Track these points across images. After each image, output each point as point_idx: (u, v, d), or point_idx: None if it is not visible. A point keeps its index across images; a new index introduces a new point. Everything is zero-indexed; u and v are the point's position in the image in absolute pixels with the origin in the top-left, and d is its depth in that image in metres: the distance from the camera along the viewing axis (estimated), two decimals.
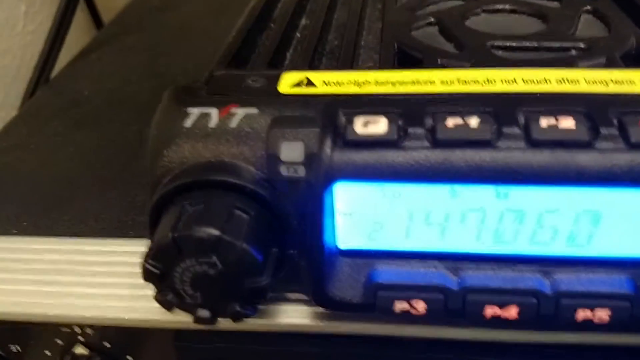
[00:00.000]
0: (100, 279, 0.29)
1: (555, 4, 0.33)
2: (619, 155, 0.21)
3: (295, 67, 0.29)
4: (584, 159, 0.21)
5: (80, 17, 0.73)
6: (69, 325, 0.30)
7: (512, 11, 0.33)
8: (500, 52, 0.28)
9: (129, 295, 0.28)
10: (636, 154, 0.21)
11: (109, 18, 0.66)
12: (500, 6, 0.33)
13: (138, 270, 0.23)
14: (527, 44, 0.28)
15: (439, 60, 0.28)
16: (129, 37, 0.58)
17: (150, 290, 0.24)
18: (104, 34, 0.60)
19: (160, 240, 0.22)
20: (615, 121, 0.22)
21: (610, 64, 0.27)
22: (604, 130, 0.21)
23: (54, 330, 0.30)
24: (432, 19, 0.32)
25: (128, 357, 0.31)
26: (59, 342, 0.31)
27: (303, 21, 0.37)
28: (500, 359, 0.26)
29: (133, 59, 0.52)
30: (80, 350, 0.31)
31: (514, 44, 0.28)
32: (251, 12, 0.36)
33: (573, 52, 0.28)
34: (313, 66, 0.30)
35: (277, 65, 0.30)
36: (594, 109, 0.22)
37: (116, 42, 0.57)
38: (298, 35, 0.35)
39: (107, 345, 0.31)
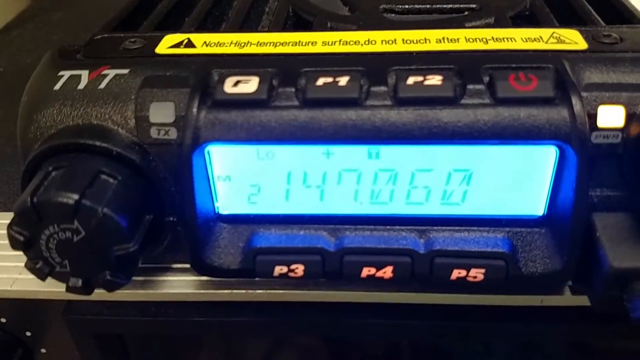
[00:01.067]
0: None
1: None
2: (483, 110, 0.20)
3: (187, 31, 0.28)
4: (448, 115, 0.20)
5: None
6: None
7: None
8: (391, 15, 0.28)
9: (13, 267, 0.27)
10: (501, 108, 0.20)
11: None
12: None
13: None
14: (419, 6, 0.28)
15: (328, 24, 0.27)
16: (56, 13, 0.56)
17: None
18: (29, 10, 0.58)
19: (20, 206, 0.21)
20: (485, 78, 0.21)
21: (498, 23, 0.26)
22: (471, 86, 0.21)
23: None
24: None
25: (27, 332, 0.31)
26: None
27: None
28: (379, 318, 0.26)
29: (55, 35, 0.50)
30: None
31: (406, 7, 0.28)
32: None
33: (465, 13, 0.28)
34: (206, 29, 0.29)
35: (172, 29, 0.30)
36: (466, 66, 0.22)
37: (42, 17, 0.55)
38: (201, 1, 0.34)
39: (4, 320, 0.30)
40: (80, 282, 0.23)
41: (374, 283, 0.23)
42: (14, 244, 0.22)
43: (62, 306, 0.28)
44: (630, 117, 0.21)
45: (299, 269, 0.23)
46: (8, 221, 0.29)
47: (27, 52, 0.48)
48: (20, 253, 0.26)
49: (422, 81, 0.21)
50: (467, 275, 0.23)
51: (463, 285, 0.23)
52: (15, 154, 0.35)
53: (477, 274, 0.22)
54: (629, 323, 0.21)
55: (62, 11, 0.56)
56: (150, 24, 0.29)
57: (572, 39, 0.24)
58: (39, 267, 0.23)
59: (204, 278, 0.25)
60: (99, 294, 0.24)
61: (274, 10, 0.31)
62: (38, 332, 0.30)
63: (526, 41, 0.24)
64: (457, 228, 0.23)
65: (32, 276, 0.26)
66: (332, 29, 0.27)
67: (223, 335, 0.29)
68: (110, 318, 0.28)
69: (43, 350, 0.31)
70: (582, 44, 0.24)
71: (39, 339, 0.31)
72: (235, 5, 0.33)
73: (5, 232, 0.28)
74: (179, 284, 0.26)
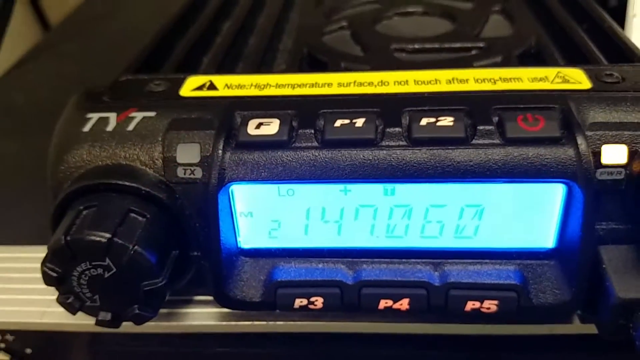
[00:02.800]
0: (17, 285, 0.29)
1: (468, 5, 0.34)
2: (493, 150, 0.22)
3: (207, 71, 0.29)
4: (460, 155, 0.22)
5: (27, 20, 0.72)
6: None
7: (424, 13, 0.34)
8: (402, 55, 0.29)
9: (44, 300, 0.28)
10: (511, 148, 0.22)
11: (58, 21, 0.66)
12: (412, 9, 0.34)
13: None
14: (429, 45, 0.29)
15: (342, 64, 0.28)
16: (67, 45, 0.58)
17: None
18: (43, 42, 0.60)
19: (54, 244, 0.22)
20: (494, 118, 0.22)
21: (505, 62, 0.28)
22: (481, 127, 0.22)
23: None
24: (344, 24, 0.33)
25: None
26: None
27: (227, 24, 0.37)
28: (396, 349, 0.27)
29: (67, 68, 0.52)
30: (1, 356, 0.31)
31: (416, 46, 0.29)
32: (173, 16, 0.36)
33: (473, 52, 0.29)
34: (225, 70, 0.30)
35: (191, 69, 0.31)
36: (476, 107, 0.23)
37: (54, 50, 0.57)
38: (219, 40, 0.35)
39: (29, 351, 0.31)
40: (109, 316, 0.24)
41: (391, 314, 0.24)
42: (48, 280, 0.23)
43: (87, 338, 0.29)
44: (632, 155, 0.22)
45: (319, 302, 0.24)
46: (32, 255, 0.31)
47: (41, 86, 0.50)
48: (51, 287, 0.28)
49: (435, 122, 0.22)
50: (480, 307, 0.23)
51: (477, 316, 0.24)
52: (34, 187, 0.36)
53: (490, 305, 0.23)
54: (636, 351, 0.22)
55: (73, 43, 0.58)
56: (171, 65, 0.30)
57: (577, 79, 0.25)
58: (70, 301, 0.24)
59: (226, 310, 0.26)
60: (125, 327, 0.25)
61: (290, 50, 0.32)
62: None
63: (532, 81, 0.25)
64: (470, 261, 0.24)
65: (60, 308, 0.27)
66: (346, 70, 0.28)
67: None
68: (135, 349, 0.29)
69: None
70: (586, 84, 0.25)
71: None
72: (251, 44, 0.35)
73: (31, 265, 0.30)
74: (202, 316, 0.27)
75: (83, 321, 0.27)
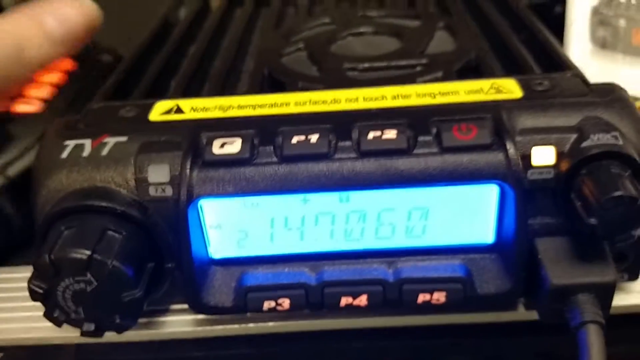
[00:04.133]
0: (1, 304, 0.31)
1: (415, 23, 0.37)
2: (432, 158, 0.24)
3: (174, 95, 0.32)
4: (403, 164, 0.24)
5: None
6: None
7: (375, 33, 0.36)
8: (354, 73, 0.32)
9: (28, 317, 0.30)
10: (447, 156, 0.24)
11: None
12: (364, 29, 0.36)
13: None
14: (378, 64, 0.32)
15: (299, 84, 0.31)
16: None
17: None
18: None
19: (39, 262, 0.24)
20: (433, 129, 0.25)
21: (445, 77, 0.30)
22: (421, 138, 0.25)
23: None
24: (301, 45, 0.35)
25: None
26: None
27: (192, 49, 0.39)
28: (360, 343, 0.29)
29: None
30: None
31: (366, 65, 0.32)
32: (142, 43, 0.39)
33: (417, 68, 0.32)
34: (192, 92, 0.33)
35: (160, 93, 0.33)
36: (417, 120, 0.25)
37: None
38: (185, 63, 0.38)
39: None
40: (93, 327, 0.26)
41: (352, 311, 0.27)
42: (35, 297, 0.25)
43: (72, 350, 0.31)
44: (560, 155, 0.25)
45: (286, 303, 0.26)
46: (14, 276, 0.33)
47: None
48: (35, 303, 0.29)
49: (381, 135, 0.25)
50: (431, 299, 0.26)
51: (428, 307, 0.26)
52: None
53: (439, 296, 0.26)
54: (570, 332, 0.24)
55: None
56: (141, 91, 0.32)
57: (509, 89, 0.28)
58: (56, 315, 0.26)
59: (201, 316, 0.29)
60: (108, 337, 0.27)
61: (251, 72, 0.34)
62: None
63: (468, 93, 0.27)
64: (420, 257, 0.27)
65: (46, 323, 0.29)
66: (303, 89, 0.30)
67: None
68: (118, 358, 0.31)
69: None
70: (517, 93, 0.27)
71: None
72: (215, 66, 0.37)
73: (16, 285, 0.32)
74: (179, 323, 0.29)
75: (68, 334, 0.29)
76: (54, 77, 0.40)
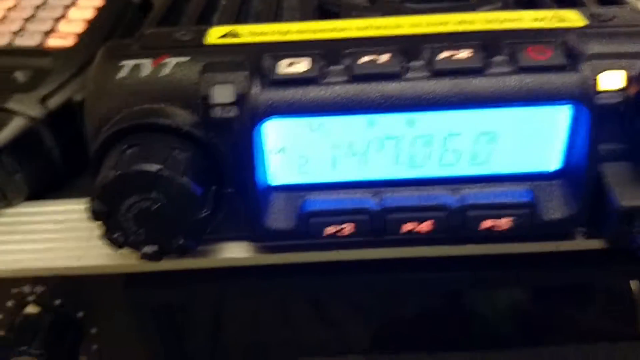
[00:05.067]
0: (49, 235, 0.30)
1: None
2: (509, 77, 0.24)
3: (224, 23, 0.31)
4: (479, 83, 0.24)
5: None
6: (19, 284, 0.31)
7: None
8: (409, 4, 0.31)
9: (76, 247, 0.30)
10: (524, 75, 0.24)
11: None
12: None
13: (82, 224, 0.24)
14: None
15: (353, 13, 0.30)
16: None
17: (95, 240, 0.25)
18: None
19: (103, 180, 0.24)
20: (506, 50, 0.25)
21: (505, 7, 0.30)
22: (496, 58, 0.24)
23: (4, 292, 0.31)
24: None
25: (79, 312, 0.33)
26: (10, 304, 0.32)
27: None
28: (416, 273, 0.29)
29: None
30: (31, 309, 0.32)
31: None
32: None
33: (473, 0, 0.31)
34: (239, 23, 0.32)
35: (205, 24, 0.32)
36: (488, 42, 0.25)
37: None
38: (224, 2, 0.37)
39: (58, 302, 0.32)
40: (155, 248, 0.25)
41: (414, 238, 0.26)
42: (96, 216, 0.24)
43: (118, 282, 0.31)
44: (630, 80, 0.25)
45: (347, 228, 0.26)
46: (58, 208, 0.32)
47: None
48: (80, 233, 0.29)
49: (454, 55, 0.24)
50: (495, 225, 0.26)
51: (492, 235, 0.26)
52: None
53: (506, 222, 0.26)
54: (636, 254, 0.24)
55: None
56: (188, 20, 0.32)
57: (572, 18, 0.27)
58: (116, 236, 0.25)
59: (254, 245, 0.28)
60: (162, 264, 0.26)
61: (299, 5, 0.34)
62: (90, 313, 0.33)
63: (534, 21, 0.27)
64: (485, 184, 0.26)
65: (95, 252, 0.29)
66: (358, 17, 0.30)
67: (277, 299, 0.32)
68: (168, 289, 0.30)
69: (94, 331, 0.33)
70: (581, 22, 0.27)
71: (91, 319, 0.33)
72: (255, 4, 0.36)
73: (63, 217, 0.31)
74: (232, 251, 0.29)
75: (119, 262, 0.29)
76: (86, 12, 0.39)
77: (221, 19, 0.33)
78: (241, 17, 0.34)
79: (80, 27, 0.38)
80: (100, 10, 0.39)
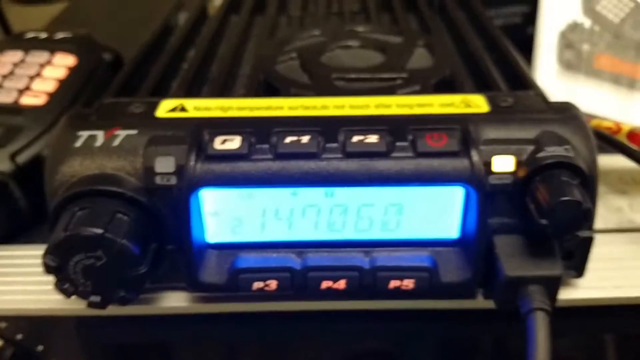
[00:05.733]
0: (12, 278, 0.34)
1: (398, 39, 0.41)
2: (408, 161, 0.28)
3: (176, 94, 0.35)
4: (383, 165, 0.28)
5: None
6: None
7: (361, 46, 0.40)
8: (341, 83, 0.35)
9: (35, 290, 0.33)
10: (420, 160, 0.28)
11: None
12: (351, 42, 0.40)
13: (41, 269, 0.28)
14: (363, 75, 0.35)
15: (292, 90, 0.34)
16: None
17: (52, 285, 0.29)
18: None
19: (55, 239, 0.27)
20: (409, 136, 0.29)
21: (423, 90, 0.34)
22: (399, 143, 0.28)
23: None
24: (294, 54, 0.38)
25: (39, 346, 0.36)
26: None
27: (192, 52, 0.43)
28: (334, 325, 0.33)
29: None
30: None
31: (352, 76, 0.35)
32: (145, 44, 0.42)
33: (398, 81, 0.35)
34: (193, 94, 0.36)
35: (163, 92, 0.36)
36: (396, 128, 0.29)
37: None
38: (185, 65, 0.41)
39: (20, 336, 0.35)
40: (99, 299, 0.29)
41: (332, 294, 0.30)
42: (49, 269, 0.28)
43: (72, 322, 0.34)
44: (518, 164, 0.29)
45: (273, 284, 0.30)
46: (23, 253, 0.35)
47: None
48: (39, 278, 0.32)
49: (364, 139, 0.28)
50: (401, 285, 0.29)
51: (399, 293, 0.30)
52: None
53: (408, 283, 0.29)
54: (521, 318, 0.28)
55: None
56: (146, 89, 0.35)
57: (478, 104, 0.31)
58: (66, 287, 0.28)
59: (193, 295, 0.32)
60: (107, 310, 0.30)
61: (248, 76, 0.38)
62: (49, 347, 0.36)
63: (442, 106, 0.31)
64: (393, 249, 0.30)
65: (51, 296, 0.32)
66: (295, 95, 0.34)
67: (212, 344, 0.35)
68: (116, 330, 0.33)
69: None
70: (484, 108, 0.31)
71: (50, 353, 0.36)
72: (213, 70, 0.40)
73: (22, 261, 0.35)
74: (174, 299, 0.32)
75: (72, 306, 0.32)
76: (59, 71, 0.43)
77: (179, 85, 0.37)
78: (196, 83, 0.38)
79: (52, 87, 0.41)
80: (72, 70, 0.43)
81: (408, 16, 0.48)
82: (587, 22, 0.48)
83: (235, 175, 0.28)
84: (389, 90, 0.34)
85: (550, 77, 0.49)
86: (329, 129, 0.29)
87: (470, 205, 0.29)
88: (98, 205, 0.28)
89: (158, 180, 0.29)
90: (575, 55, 0.48)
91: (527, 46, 0.51)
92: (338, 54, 0.39)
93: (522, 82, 0.35)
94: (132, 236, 0.28)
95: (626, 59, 0.46)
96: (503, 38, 0.42)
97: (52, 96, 0.41)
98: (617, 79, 0.47)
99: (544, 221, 0.27)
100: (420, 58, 0.39)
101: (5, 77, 0.42)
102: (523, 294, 0.28)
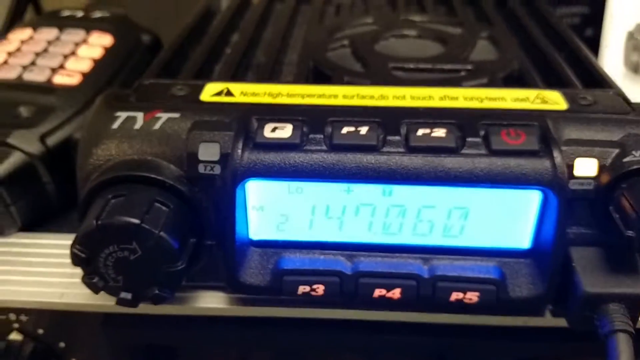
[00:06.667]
0: (36, 268, 0.31)
1: (458, 30, 0.38)
2: (480, 159, 0.25)
3: (220, 79, 0.32)
4: (451, 162, 0.25)
5: None
6: (4, 312, 0.32)
7: (418, 36, 0.37)
8: (399, 73, 0.32)
9: (60, 282, 0.31)
10: (495, 158, 0.25)
11: None
12: (407, 32, 0.37)
13: (68, 260, 0.25)
14: (422, 65, 0.33)
15: (345, 78, 0.31)
16: None
17: (78, 278, 0.26)
18: None
19: (86, 228, 0.25)
20: (481, 132, 0.26)
21: (491, 83, 0.31)
22: (470, 139, 0.25)
23: None
24: (346, 42, 0.36)
25: (61, 343, 0.34)
26: None
27: (235, 37, 0.40)
28: (387, 337, 0.30)
29: None
30: (15, 336, 0.33)
31: (411, 66, 0.33)
32: (186, 27, 0.39)
33: (462, 73, 0.32)
34: (237, 79, 0.33)
35: (205, 76, 0.34)
36: (465, 121, 0.26)
37: None
38: (229, 50, 0.38)
39: (41, 331, 0.33)
40: (130, 296, 0.26)
41: (384, 303, 0.27)
42: (77, 261, 0.25)
43: (98, 319, 0.31)
44: (601, 168, 0.26)
45: (320, 289, 0.27)
46: (50, 242, 0.33)
47: None
48: (67, 270, 0.30)
49: (430, 133, 0.25)
50: (464, 298, 0.26)
51: (460, 307, 0.27)
52: None
53: (472, 296, 0.26)
54: (599, 340, 0.25)
55: None
56: (188, 72, 0.33)
57: (555, 100, 0.28)
58: (95, 281, 0.26)
59: (231, 296, 0.29)
60: (138, 309, 0.27)
61: (296, 63, 0.35)
62: (71, 344, 0.33)
63: (515, 101, 0.28)
64: (455, 257, 0.27)
65: (77, 290, 0.30)
66: (348, 83, 0.31)
67: (243, 349, 0.32)
68: (145, 330, 0.31)
69: None
70: (562, 105, 0.28)
71: (71, 350, 0.34)
72: (258, 56, 0.37)
73: (52, 251, 0.32)
74: (209, 300, 0.29)
75: (99, 302, 0.30)
76: (94, 51, 0.41)
77: (222, 69, 0.35)
78: (241, 69, 0.35)
79: (87, 66, 0.39)
80: (108, 50, 0.41)
81: (466, 9, 0.44)
82: None
83: (285, 167, 0.25)
84: (453, 82, 0.31)
85: (617, 81, 0.46)
86: (389, 120, 0.26)
87: (547, 212, 0.26)
88: (135, 193, 0.26)
89: (201, 168, 0.26)
90: None
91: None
92: (393, 43, 0.36)
93: (598, 80, 0.32)
94: (170, 228, 0.25)
95: None
96: (571, 34, 0.38)
97: (87, 76, 0.38)
98: None
99: (630, 233, 0.24)
100: (483, 50, 0.36)
101: (38, 54, 0.40)
102: (603, 313, 0.25)
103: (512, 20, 0.42)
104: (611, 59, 0.46)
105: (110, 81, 0.40)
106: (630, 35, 0.45)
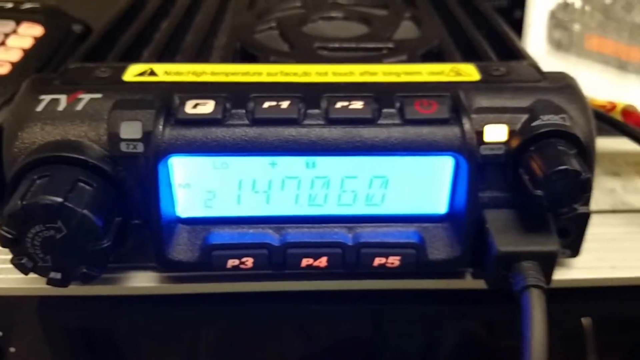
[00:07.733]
0: None
1: (383, 12, 0.39)
2: (395, 128, 0.26)
3: (147, 61, 0.32)
4: (368, 132, 0.26)
5: None
6: None
7: (344, 18, 0.38)
8: (324, 52, 0.33)
9: None
10: (409, 127, 0.26)
11: None
12: (334, 14, 0.38)
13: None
14: (346, 45, 0.34)
15: (271, 58, 0.32)
16: None
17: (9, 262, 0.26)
18: None
19: (11, 209, 0.25)
20: (397, 103, 0.27)
21: (410, 60, 0.32)
22: (385, 110, 0.26)
23: None
24: (274, 24, 0.36)
25: None
26: None
27: (165, 23, 0.40)
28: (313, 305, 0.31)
29: None
30: None
31: (336, 45, 0.33)
32: (116, 14, 0.39)
33: (384, 51, 0.33)
34: (164, 61, 0.33)
35: (133, 60, 0.34)
36: (382, 94, 0.27)
37: None
38: (158, 36, 0.38)
39: None
40: (59, 275, 0.26)
41: (312, 272, 0.28)
42: (4, 242, 0.25)
43: (34, 305, 0.31)
44: (511, 133, 0.27)
45: (249, 262, 0.28)
46: None
47: None
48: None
49: (348, 105, 0.26)
50: (386, 262, 0.28)
51: (383, 271, 0.28)
52: None
53: (394, 260, 0.28)
54: (513, 296, 0.26)
55: None
56: (115, 56, 0.33)
57: (468, 72, 0.30)
58: (24, 262, 0.26)
59: (163, 274, 0.30)
60: (72, 290, 0.27)
61: (223, 45, 0.36)
62: (8, 332, 0.33)
63: (431, 74, 0.29)
64: (378, 224, 0.28)
65: (10, 275, 0.30)
66: (274, 63, 0.32)
67: (178, 327, 0.33)
68: (80, 312, 0.31)
69: (12, 350, 0.34)
70: (475, 76, 0.29)
71: (9, 339, 0.34)
72: (187, 40, 0.38)
73: None
74: (140, 280, 0.30)
75: (31, 285, 0.30)
76: (24, 41, 0.40)
77: (150, 53, 0.35)
78: (169, 52, 0.36)
79: (16, 56, 0.39)
80: (39, 40, 0.41)
81: None
82: (577, 2, 0.46)
83: (207, 142, 0.26)
84: (375, 59, 0.32)
85: (539, 57, 0.48)
86: (310, 95, 0.27)
87: (459, 177, 0.27)
88: (58, 173, 0.26)
89: (123, 147, 0.26)
90: (565, 35, 0.47)
91: (514, 30, 0.50)
92: (320, 25, 0.37)
93: (513, 52, 0.34)
94: (94, 207, 0.25)
95: (617, 39, 0.45)
96: (493, 12, 0.40)
97: (16, 66, 0.38)
98: (607, 60, 0.46)
99: (539, 192, 0.25)
100: (406, 30, 0.37)
101: None
102: (516, 271, 0.26)
103: (437, 2, 0.43)
104: (535, 37, 0.48)
105: (40, 70, 0.39)
106: (552, 14, 0.47)
